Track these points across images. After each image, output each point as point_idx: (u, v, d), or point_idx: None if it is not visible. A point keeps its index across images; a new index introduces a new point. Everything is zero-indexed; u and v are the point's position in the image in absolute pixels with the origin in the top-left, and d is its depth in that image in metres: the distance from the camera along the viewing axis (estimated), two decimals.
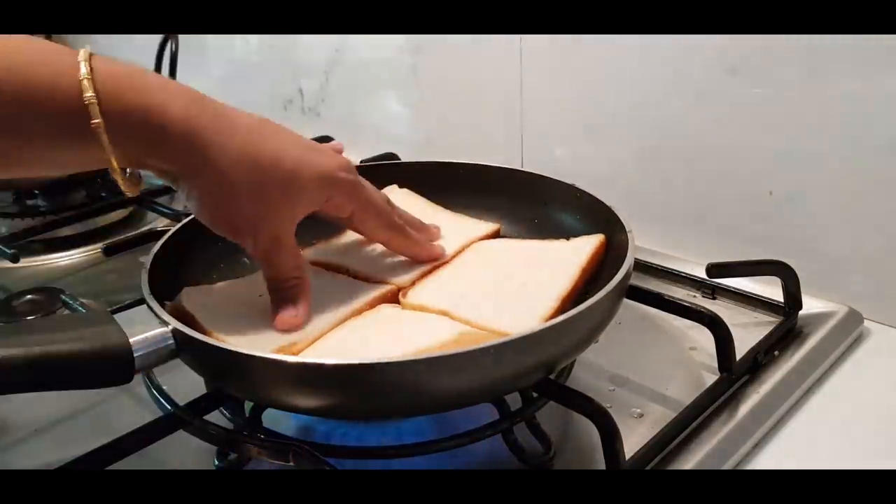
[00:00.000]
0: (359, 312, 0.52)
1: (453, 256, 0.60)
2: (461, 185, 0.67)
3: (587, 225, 0.58)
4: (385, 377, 0.40)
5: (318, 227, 0.64)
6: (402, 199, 0.66)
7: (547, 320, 0.49)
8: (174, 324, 0.44)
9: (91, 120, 0.40)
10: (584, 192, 0.59)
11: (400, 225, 0.55)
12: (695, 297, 0.67)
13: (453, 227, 0.63)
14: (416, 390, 0.41)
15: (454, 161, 0.68)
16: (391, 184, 0.68)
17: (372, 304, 0.53)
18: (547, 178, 0.63)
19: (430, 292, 0.54)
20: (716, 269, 0.61)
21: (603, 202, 0.57)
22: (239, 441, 0.47)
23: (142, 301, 0.47)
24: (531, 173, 0.64)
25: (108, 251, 0.72)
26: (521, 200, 0.64)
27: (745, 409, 0.51)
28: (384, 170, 0.69)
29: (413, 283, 0.56)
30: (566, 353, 0.46)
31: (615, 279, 0.46)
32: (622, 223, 0.53)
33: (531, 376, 0.45)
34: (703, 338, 0.56)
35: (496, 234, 0.63)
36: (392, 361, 0.40)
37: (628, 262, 0.48)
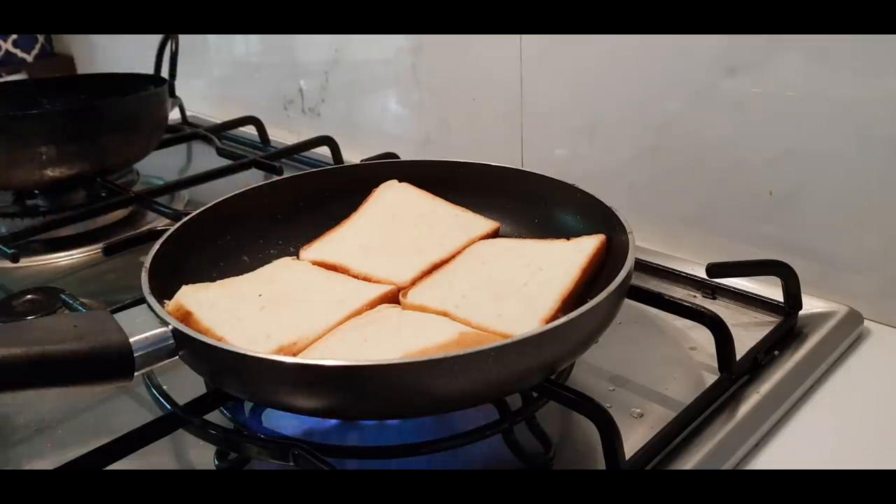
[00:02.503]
0: (359, 312, 0.52)
1: (454, 254, 0.60)
2: (461, 184, 0.67)
3: (587, 225, 0.58)
4: (384, 379, 0.40)
5: (315, 227, 0.64)
6: (402, 193, 0.67)
7: (548, 321, 0.49)
8: (174, 323, 0.44)
9: None
10: (584, 192, 0.59)
11: None
12: (695, 297, 0.67)
13: (453, 222, 0.63)
14: (416, 392, 0.41)
15: (454, 160, 0.68)
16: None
17: (372, 305, 0.53)
18: (547, 177, 0.63)
19: (430, 292, 0.54)
20: (716, 269, 0.61)
21: (603, 202, 0.57)
22: (239, 441, 0.47)
23: (142, 300, 0.47)
24: (531, 173, 0.64)
25: (108, 251, 0.72)
26: (522, 200, 0.64)
27: (745, 409, 0.51)
28: (384, 168, 0.69)
29: (413, 283, 0.56)
30: (567, 354, 0.46)
31: (616, 280, 0.46)
32: (623, 224, 0.53)
33: (532, 378, 0.45)
34: (703, 338, 0.56)
35: (496, 232, 0.63)
36: (391, 363, 0.40)
37: (629, 264, 0.48)
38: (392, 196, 0.66)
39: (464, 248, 0.60)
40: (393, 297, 0.55)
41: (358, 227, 0.64)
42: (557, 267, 0.54)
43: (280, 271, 0.58)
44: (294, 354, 0.47)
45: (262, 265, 0.60)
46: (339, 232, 0.64)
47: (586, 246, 0.55)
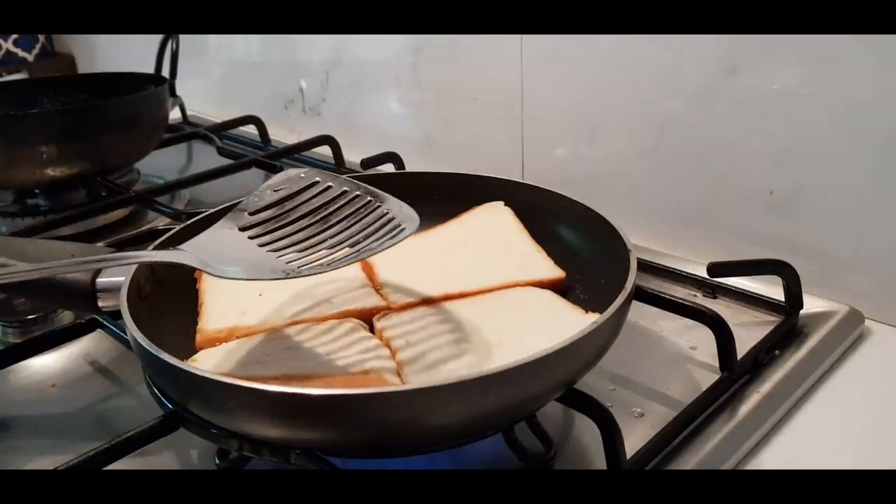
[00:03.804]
0: (330, 318, 0.52)
1: (479, 291, 0.54)
2: (462, 195, 0.64)
3: (586, 240, 0.57)
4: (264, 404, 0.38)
5: None
6: (498, 217, 0.62)
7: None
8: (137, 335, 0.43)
9: None
10: (584, 205, 0.57)
11: None
12: (696, 296, 0.67)
13: (519, 261, 0.58)
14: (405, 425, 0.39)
15: (453, 172, 0.66)
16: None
17: (345, 315, 0.52)
18: (548, 190, 0.61)
19: (399, 327, 0.51)
20: (717, 269, 0.61)
21: (606, 219, 0.54)
22: (239, 441, 0.47)
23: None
24: (532, 185, 0.62)
25: None
26: (522, 213, 0.62)
27: (745, 408, 0.51)
28: (495, 184, 0.65)
29: (401, 309, 0.53)
30: (552, 390, 0.43)
31: (615, 304, 0.43)
32: (623, 240, 0.51)
33: (501, 421, 0.44)
34: (704, 337, 0.56)
35: (559, 282, 0.56)
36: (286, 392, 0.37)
37: (630, 284, 0.46)
38: (486, 218, 0.63)
39: (500, 288, 0.55)
40: (369, 315, 0.53)
41: (428, 238, 0.61)
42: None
43: None
44: (236, 338, 0.50)
45: None
46: (412, 238, 0.60)
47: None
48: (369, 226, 0.46)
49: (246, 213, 0.48)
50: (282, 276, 0.43)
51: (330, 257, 0.44)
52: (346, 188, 0.48)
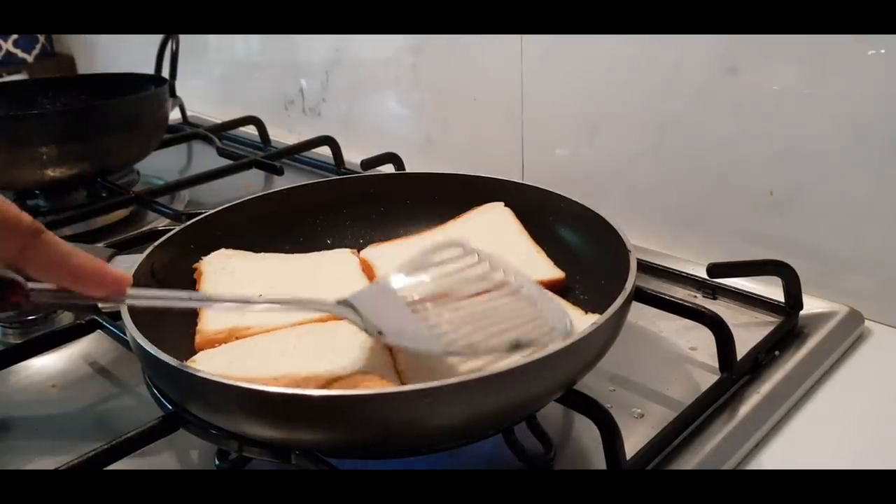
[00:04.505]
0: (324, 321, 0.52)
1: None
2: (462, 195, 0.65)
3: (586, 240, 0.57)
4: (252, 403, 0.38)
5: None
6: (498, 217, 0.63)
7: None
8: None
9: None
10: (584, 206, 0.57)
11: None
12: (695, 297, 0.67)
13: (519, 261, 0.57)
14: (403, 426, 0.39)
15: (453, 172, 0.66)
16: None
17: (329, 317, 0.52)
18: (548, 191, 0.61)
19: None
20: (717, 269, 0.61)
21: (606, 219, 0.54)
22: (239, 441, 0.47)
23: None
24: (532, 186, 0.62)
25: None
26: (522, 213, 0.62)
27: (745, 409, 0.51)
28: (499, 185, 0.65)
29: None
30: (550, 391, 0.43)
31: (615, 305, 0.43)
32: (623, 241, 0.51)
33: (500, 423, 0.44)
34: (704, 338, 0.56)
35: (560, 282, 0.57)
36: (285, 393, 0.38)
37: (628, 288, 0.46)
38: (486, 218, 0.63)
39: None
40: None
41: (428, 238, 0.61)
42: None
43: (328, 260, 0.60)
44: (236, 338, 0.50)
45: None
46: (412, 239, 0.62)
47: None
48: (524, 320, 0.46)
49: (404, 276, 0.48)
50: (440, 351, 0.43)
51: (487, 344, 0.44)
52: (502, 274, 0.49)
